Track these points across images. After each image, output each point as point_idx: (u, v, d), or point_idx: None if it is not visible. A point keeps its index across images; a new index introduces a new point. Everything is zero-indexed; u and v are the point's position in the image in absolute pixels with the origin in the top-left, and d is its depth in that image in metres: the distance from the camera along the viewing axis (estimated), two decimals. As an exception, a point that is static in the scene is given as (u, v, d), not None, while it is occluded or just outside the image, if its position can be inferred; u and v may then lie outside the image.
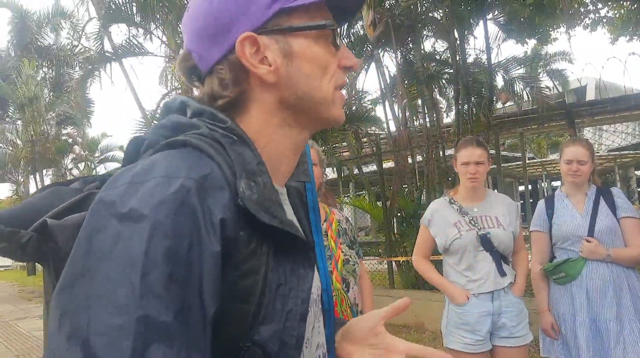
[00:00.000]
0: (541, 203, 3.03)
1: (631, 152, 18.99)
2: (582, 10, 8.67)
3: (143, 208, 0.57)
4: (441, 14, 8.65)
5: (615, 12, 8.81)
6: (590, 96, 23.00)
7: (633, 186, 26.02)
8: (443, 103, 11.46)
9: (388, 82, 8.85)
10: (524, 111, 7.45)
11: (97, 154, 21.75)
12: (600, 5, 8.72)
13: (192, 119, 0.72)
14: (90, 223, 0.58)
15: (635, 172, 26.41)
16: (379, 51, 8.68)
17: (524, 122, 7.39)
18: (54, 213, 0.67)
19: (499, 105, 9.73)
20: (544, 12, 7.51)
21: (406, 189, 8.33)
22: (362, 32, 9.10)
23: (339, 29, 0.79)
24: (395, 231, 8.40)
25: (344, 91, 0.82)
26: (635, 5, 8.36)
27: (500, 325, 2.67)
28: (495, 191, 3.06)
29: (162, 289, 0.54)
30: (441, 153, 7.93)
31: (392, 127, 8.60)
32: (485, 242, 2.70)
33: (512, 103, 10.42)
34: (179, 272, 0.56)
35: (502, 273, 2.69)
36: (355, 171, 10.87)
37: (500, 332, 2.68)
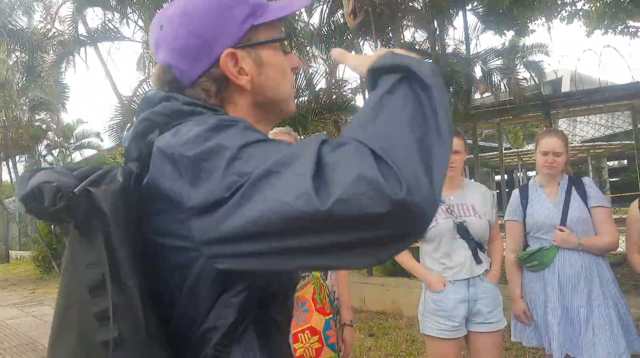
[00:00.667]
0: (515, 193, 3.09)
1: (604, 143, 19.42)
2: (560, 2, 8.78)
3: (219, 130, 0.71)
4: (421, 4, 8.67)
5: (592, 5, 8.94)
6: (566, 87, 23.39)
7: (605, 176, 26.67)
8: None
9: (368, 71, 8.84)
10: (501, 102, 7.55)
11: (72, 141, 21.32)
12: (577, -2, 8.85)
13: (189, 107, 0.82)
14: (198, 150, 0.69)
15: (607, 163, 27.06)
16: (359, 40, 8.67)
17: (501, 113, 7.49)
18: (84, 186, 0.72)
19: (477, 96, 9.82)
20: (522, 3, 7.59)
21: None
22: (342, 20, 9.07)
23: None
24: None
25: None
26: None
27: (475, 311, 2.72)
28: (472, 180, 3.10)
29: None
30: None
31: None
32: (462, 230, 2.74)
33: (490, 94, 10.54)
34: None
35: (478, 261, 2.74)
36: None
37: (475, 318, 2.73)
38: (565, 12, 9.10)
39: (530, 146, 22.43)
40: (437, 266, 2.79)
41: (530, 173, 24.25)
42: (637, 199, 2.99)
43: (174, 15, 0.88)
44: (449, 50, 9.32)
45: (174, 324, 0.78)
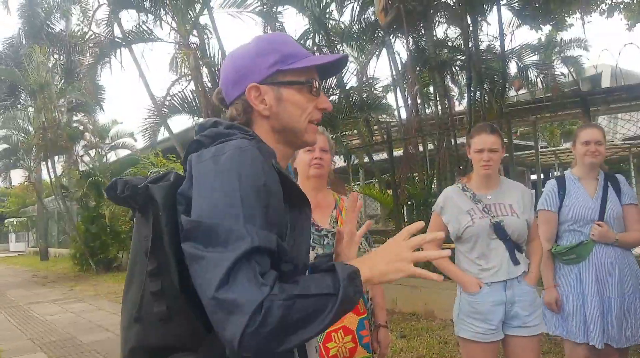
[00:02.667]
0: (552, 183, 3.11)
1: (645, 141, 18.70)
2: (599, -4, 8.49)
3: (230, 163, 1.00)
4: (454, 0, 8.51)
5: (632, -3, 8.63)
6: (606, 83, 22.60)
7: (647, 175, 25.70)
8: (455, 90, 11.34)
9: (399, 69, 8.75)
10: (538, 99, 7.33)
11: (107, 141, 21.79)
12: (617, -10, 8.53)
13: (227, 130, 1.13)
14: (204, 175, 1.01)
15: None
16: (390, 37, 8.57)
17: (537, 110, 7.28)
18: (146, 182, 1.07)
19: (512, 93, 9.59)
20: (558, -2, 7.36)
21: (416, 178, 8.28)
22: (373, 18, 8.98)
23: (319, 83, 1.21)
24: (405, 220, 8.37)
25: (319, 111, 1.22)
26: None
27: (512, 315, 2.63)
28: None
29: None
30: (452, 140, 7.85)
31: (404, 115, 8.53)
32: (499, 230, 2.65)
33: (526, 91, 10.28)
34: (262, 197, 0.99)
35: (516, 262, 2.65)
36: (366, 159, 10.81)
37: (512, 321, 2.63)
38: (605, 5, 8.79)
39: (567, 144, 21.80)
40: (472, 267, 2.71)
41: (566, 172, 23.50)
42: None
43: (230, 56, 1.24)
44: (483, 46, 9.12)
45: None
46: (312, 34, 8.77)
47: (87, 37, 11.34)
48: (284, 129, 1.19)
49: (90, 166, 18.32)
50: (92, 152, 20.85)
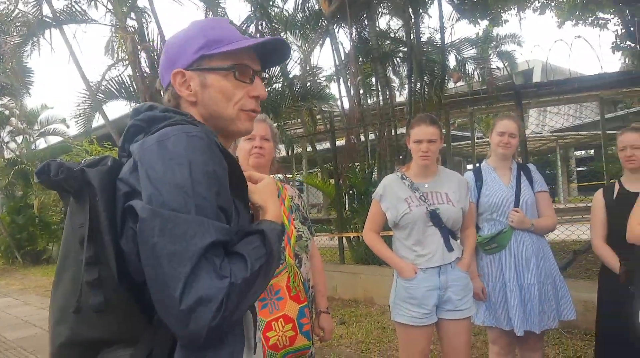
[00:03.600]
0: (470, 175, 3.19)
1: (572, 133, 19.83)
2: (531, -7, 8.86)
3: (179, 150, 0.97)
4: (396, -9, 8.62)
5: (562, -4, 9.06)
6: (537, 78, 23.80)
7: (572, 165, 27.33)
8: (396, 82, 11.53)
9: (342, 59, 8.79)
10: (475, 91, 7.59)
11: (36, 127, 20.57)
12: (549, -11, 8.94)
13: (162, 113, 1.10)
14: (148, 161, 0.97)
15: (575, 152, 27.72)
16: (334, 27, 8.58)
17: (474, 102, 7.53)
18: (82, 166, 1.02)
19: (451, 84, 9.87)
20: (497, -8, 7.61)
21: (358, 167, 8.38)
22: (317, 7, 8.95)
23: (253, 70, 1.18)
24: (347, 208, 8.46)
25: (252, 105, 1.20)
26: (580, -9, 8.62)
27: (446, 299, 2.71)
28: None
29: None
30: (393, 131, 7.99)
31: (346, 105, 8.58)
32: (435, 218, 2.72)
33: (463, 83, 10.60)
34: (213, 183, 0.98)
35: (450, 249, 2.73)
36: (309, 148, 10.81)
37: (446, 305, 2.72)
38: (538, 2, 9.19)
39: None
40: (409, 253, 2.77)
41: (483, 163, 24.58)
42: (601, 189, 3.11)
43: (167, 41, 1.23)
44: (424, 39, 9.31)
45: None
46: (254, 21, 8.62)
47: (13, 15, 10.61)
48: (211, 116, 1.17)
49: (17, 153, 17.29)
50: (19, 138, 19.66)
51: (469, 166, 22.32)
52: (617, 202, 2.91)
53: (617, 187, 2.98)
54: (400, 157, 7.74)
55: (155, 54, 8.62)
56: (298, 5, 9.03)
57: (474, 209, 3.05)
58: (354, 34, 8.55)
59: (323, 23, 8.66)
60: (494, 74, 8.35)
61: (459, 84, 10.77)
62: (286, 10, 9.67)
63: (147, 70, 8.64)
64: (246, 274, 0.96)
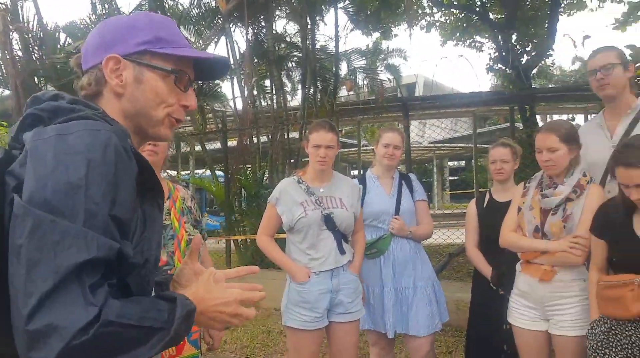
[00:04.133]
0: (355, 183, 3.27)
1: (448, 145, 21.44)
2: (420, 12, 9.46)
3: (79, 145, 0.85)
4: (295, -4, 8.70)
5: (447, 17, 9.78)
6: (419, 92, 25.43)
7: (446, 174, 29.58)
8: (288, 86, 11.63)
9: (237, 58, 8.67)
10: (365, 101, 7.91)
11: None
12: (435, 10, 9.60)
13: (70, 104, 0.98)
14: (42, 156, 0.85)
15: (449, 163, 30.05)
16: (231, 26, 8.44)
17: (364, 111, 7.84)
18: None
19: (343, 92, 10.18)
20: (389, 7, 8.00)
21: (249, 169, 8.31)
22: (214, 3, 8.74)
23: (190, 78, 1.12)
24: (235, 210, 8.35)
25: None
26: (463, 14, 9.36)
27: (337, 302, 2.78)
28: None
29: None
30: (286, 134, 8.05)
31: (239, 105, 8.47)
32: (329, 222, 2.78)
33: (352, 92, 10.99)
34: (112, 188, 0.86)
35: (342, 252, 2.80)
36: (198, 147, 10.51)
37: (337, 308, 2.79)
38: (425, 21, 9.85)
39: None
40: (302, 257, 2.80)
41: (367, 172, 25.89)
42: (474, 199, 3.37)
43: (103, 21, 1.12)
44: (319, 46, 9.51)
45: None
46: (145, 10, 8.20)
47: None
48: (137, 114, 1.07)
49: None
50: None
51: (354, 172, 23.20)
52: (487, 211, 3.17)
53: (487, 197, 3.25)
54: (292, 161, 7.82)
55: (30, 35, 7.83)
56: (193, 1, 8.74)
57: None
58: (250, 35, 8.48)
59: (219, 21, 8.48)
60: (381, 85, 8.77)
61: (347, 93, 11.15)
62: (181, 5, 9.32)
63: (20, 53, 7.83)
64: (128, 319, 0.81)
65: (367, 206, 3.12)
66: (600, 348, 2.11)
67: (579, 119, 11.62)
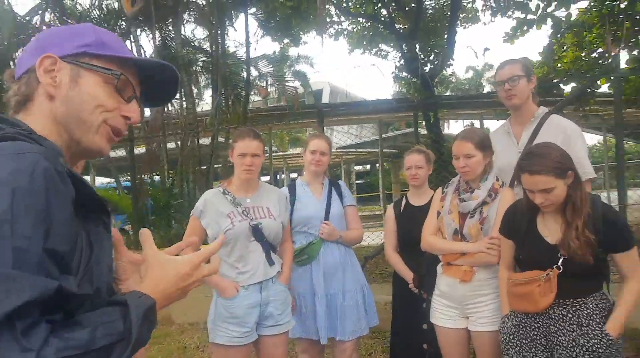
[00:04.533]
0: (284, 190, 3.27)
1: (352, 150, 22.07)
2: (329, 20, 9.64)
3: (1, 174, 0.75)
4: (204, 1, 8.50)
5: (354, 26, 10.07)
6: (325, 99, 25.96)
7: (353, 178, 30.45)
8: (194, 92, 11.34)
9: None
10: (280, 107, 7.90)
11: None
12: (343, 18, 9.84)
13: None
14: None
15: (355, 167, 30.96)
16: (136, 30, 8.04)
17: (279, 118, 7.84)
18: None
19: (255, 98, 10.11)
20: (300, 15, 8.06)
21: (158, 178, 7.97)
22: (117, 5, 8.28)
23: (135, 89, 1.05)
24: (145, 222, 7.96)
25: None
26: (369, 23, 9.69)
27: (267, 315, 2.72)
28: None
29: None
30: (196, 141, 7.82)
31: (147, 112, 8.10)
32: (257, 232, 2.72)
33: (260, 98, 10.95)
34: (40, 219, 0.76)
35: (271, 263, 2.76)
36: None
37: (266, 321, 2.73)
38: (334, 29, 10.06)
39: (294, 150, 24.14)
40: (230, 271, 2.71)
41: (292, 175, 26.09)
42: (392, 203, 3.48)
43: (44, 31, 1.09)
44: (229, 51, 9.36)
45: None
46: (43, 10, 7.57)
47: None
48: (69, 117, 0.97)
49: None
50: None
51: (264, 178, 23.15)
52: (404, 215, 3.29)
53: (404, 201, 3.37)
54: (203, 168, 7.61)
55: None
56: (95, 1, 8.22)
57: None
58: (157, 39, 8.14)
59: (124, 23, 8.05)
60: (290, 91, 8.82)
61: (258, 99, 11.10)
62: (80, 5, 8.72)
63: None
64: (75, 349, 0.74)
65: (298, 212, 3.11)
66: (511, 340, 2.26)
67: (476, 124, 12.46)
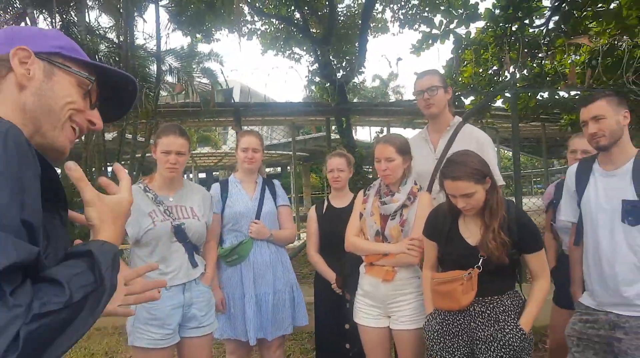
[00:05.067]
0: (216, 186, 3.23)
1: (265, 151, 21.99)
2: (243, 19, 9.54)
3: None
4: (111, -13, 8.03)
5: (268, 27, 10.04)
6: (236, 98, 25.55)
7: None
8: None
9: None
10: (192, 103, 7.64)
11: None
12: (256, 18, 9.79)
13: None
14: None
15: (266, 169, 30.92)
16: (34, 12, 7.40)
17: (192, 115, 7.59)
18: None
19: (164, 93, 9.72)
20: (213, 11, 7.88)
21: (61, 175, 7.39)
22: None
23: (97, 96, 1.07)
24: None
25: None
26: (282, 25, 9.72)
27: (190, 316, 2.65)
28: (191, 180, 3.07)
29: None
30: (102, 136, 7.38)
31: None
32: (179, 233, 2.64)
33: (166, 94, 10.56)
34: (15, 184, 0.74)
35: (194, 264, 2.69)
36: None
37: (189, 323, 2.66)
38: (247, 29, 9.96)
39: (202, 149, 23.55)
40: (152, 272, 2.60)
41: (201, 175, 25.44)
42: (315, 205, 3.54)
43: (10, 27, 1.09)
44: (139, 43, 8.92)
45: None
46: None
47: None
48: (40, 108, 0.96)
49: None
50: None
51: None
52: (326, 216, 3.37)
53: (326, 203, 3.45)
54: (109, 164, 7.19)
55: None
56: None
57: (217, 222, 3.07)
58: (57, 22, 7.55)
59: (17, 5, 7.37)
60: (204, 88, 8.58)
61: (166, 94, 10.67)
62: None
63: None
64: (59, 305, 0.75)
65: (229, 209, 3.07)
66: (435, 338, 2.40)
67: (385, 131, 12.97)
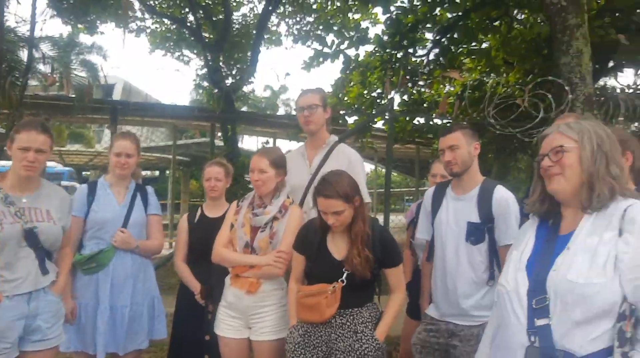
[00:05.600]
0: (83, 188, 3.06)
1: (142, 154, 21.01)
2: (131, 15, 9.10)
3: None
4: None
5: (158, 26, 9.67)
6: (117, 96, 24.20)
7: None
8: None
9: None
10: (64, 97, 7.06)
11: None
12: (147, 15, 9.39)
13: None
14: None
15: (143, 172, 29.49)
16: None
17: (64, 109, 7.01)
18: None
19: (33, 83, 8.88)
20: (101, 2, 7.42)
21: None
22: None
23: None
24: None
25: None
26: (175, 26, 9.43)
27: (34, 328, 2.43)
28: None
29: None
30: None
31: None
32: (31, 237, 2.42)
33: (38, 84, 9.71)
34: None
35: (45, 271, 2.48)
36: None
37: (32, 336, 2.43)
38: (136, 25, 9.51)
39: (72, 146, 21.92)
40: (-7, 280, 2.35)
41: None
42: (187, 214, 3.47)
43: None
44: (9, 25, 8.05)
45: None
46: None
47: None
48: None
49: None
50: None
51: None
52: (198, 226, 3.30)
53: (199, 212, 3.38)
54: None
55: None
56: None
57: (77, 226, 2.88)
58: None
59: None
60: (81, 82, 8.00)
61: (35, 84, 9.79)
62: None
63: None
64: None
65: (95, 214, 2.90)
66: (297, 349, 2.45)
67: (271, 142, 13.06)
